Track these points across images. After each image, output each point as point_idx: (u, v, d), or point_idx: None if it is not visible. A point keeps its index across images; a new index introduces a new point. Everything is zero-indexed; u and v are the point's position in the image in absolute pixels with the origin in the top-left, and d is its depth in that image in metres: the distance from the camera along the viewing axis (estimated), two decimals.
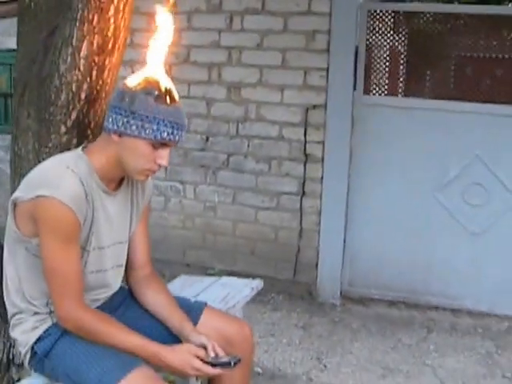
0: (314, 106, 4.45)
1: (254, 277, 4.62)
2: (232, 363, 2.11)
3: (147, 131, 1.97)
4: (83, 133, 2.51)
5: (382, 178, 4.49)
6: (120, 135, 2.01)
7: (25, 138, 2.54)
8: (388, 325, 4.29)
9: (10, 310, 2.20)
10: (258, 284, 3.10)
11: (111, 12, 2.34)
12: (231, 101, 4.68)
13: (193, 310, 2.36)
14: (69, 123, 2.45)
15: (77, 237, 2.03)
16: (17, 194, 2.05)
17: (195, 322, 2.30)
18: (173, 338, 2.23)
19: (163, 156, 2.04)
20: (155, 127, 1.97)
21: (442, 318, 4.40)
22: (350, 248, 4.61)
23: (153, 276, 2.38)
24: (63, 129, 2.46)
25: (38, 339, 2.15)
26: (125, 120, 1.98)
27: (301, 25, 4.40)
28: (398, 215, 4.49)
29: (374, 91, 4.64)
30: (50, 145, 2.47)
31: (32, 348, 2.16)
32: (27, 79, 2.51)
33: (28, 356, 2.19)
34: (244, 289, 3.01)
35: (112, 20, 2.35)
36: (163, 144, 2.02)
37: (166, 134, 1.99)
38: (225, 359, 2.12)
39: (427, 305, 4.54)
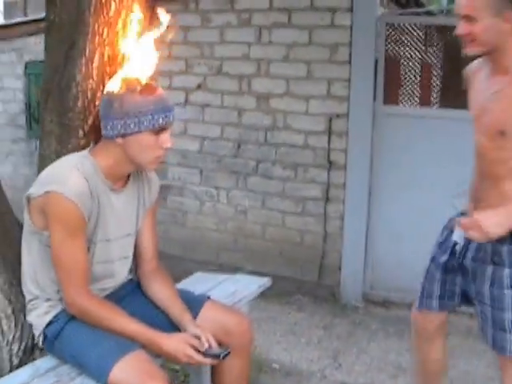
0: (337, 115, 4.58)
1: (281, 278, 4.79)
2: (221, 356, 2.26)
3: (145, 123, 2.16)
4: (100, 137, 2.73)
5: (401, 184, 4.56)
6: (123, 137, 2.19)
7: (48, 141, 2.75)
8: (406, 327, 4.31)
9: (27, 296, 2.41)
10: (265, 282, 3.19)
11: (119, 26, 2.56)
12: (260, 110, 4.85)
13: (195, 303, 2.50)
14: (86, 128, 2.65)
15: (81, 229, 2.20)
16: (30, 190, 2.24)
17: (196, 314, 2.44)
18: (174, 327, 2.36)
19: (166, 139, 2.23)
20: (150, 117, 2.16)
21: (459, 322, 4.42)
22: (372, 252, 4.70)
23: (159, 269, 2.54)
24: (81, 133, 2.66)
25: (49, 323, 2.34)
26: (122, 122, 2.17)
27: (324, 38, 4.54)
28: (417, 220, 4.54)
29: (393, 101, 4.71)
30: (70, 147, 2.66)
31: (44, 331, 2.36)
32: (50, 88, 2.72)
33: (41, 339, 2.39)
34: (251, 286, 3.12)
35: (121, 33, 2.56)
36: (162, 129, 2.20)
37: (161, 119, 2.17)
38: (215, 351, 2.26)
39: None
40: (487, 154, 2.37)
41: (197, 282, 3.14)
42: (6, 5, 8.36)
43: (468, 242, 2.48)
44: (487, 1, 2.16)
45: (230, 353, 2.30)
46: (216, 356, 2.26)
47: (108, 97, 2.21)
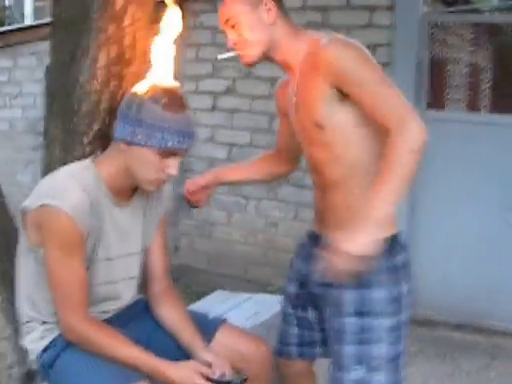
0: None
1: None
2: (232, 383, 2.05)
3: (153, 140, 1.93)
4: (106, 144, 2.50)
5: (447, 198, 4.27)
6: (128, 144, 1.97)
7: (53, 148, 2.57)
8: (449, 349, 4.06)
9: (21, 318, 2.20)
10: None
11: (126, 22, 2.33)
12: None
13: (208, 326, 2.30)
14: (91, 134, 2.46)
15: (79, 247, 2.00)
16: (25, 202, 2.04)
17: (210, 339, 2.24)
18: (185, 354, 2.16)
19: (172, 165, 1.99)
20: (161, 135, 1.92)
21: (508, 345, 4.12)
22: (414, 269, 4.31)
23: (169, 290, 2.32)
24: (86, 139, 2.47)
25: (45, 349, 2.14)
26: (132, 129, 1.94)
27: (362, 38, 4.25)
28: (464, 236, 4.26)
29: (438, 106, 4.43)
30: (75, 155, 2.47)
31: (39, 358, 2.15)
32: (55, 90, 2.54)
33: (37, 366, 2.18)
34: (275, 306, 2.84)
35: (129, 29, 2.35)
36: (171, 153, 1.97)
37: (172, 142, 1.94)
38: (228, 379, 2.05)
39: (493, 329, 4.27)
40: (318, 161, 2.06)
41: (216, 302, 3.00)
42: (35, 9, 8.35)
43: (315, 262, 2.08)
44: None
45: (246, 379, 2.10)
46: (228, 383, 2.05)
47: (130, 97, 1.99)
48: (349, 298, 2.00)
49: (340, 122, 1.97)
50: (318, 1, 4.45)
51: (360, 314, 2.00)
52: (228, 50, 2.06)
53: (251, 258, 4.98)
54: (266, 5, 1.99)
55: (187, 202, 2.44)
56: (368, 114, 1.92)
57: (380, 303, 1.99)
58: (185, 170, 5.13)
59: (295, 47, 2.02)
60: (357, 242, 1.74)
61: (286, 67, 2.08)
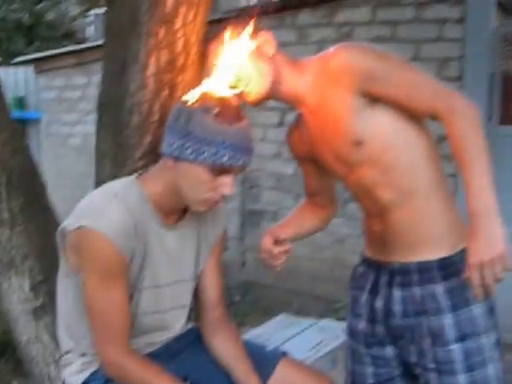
0: (446, 137, 4.10)
1: None
2: None
3: (205, 155, 1.71)
4: (160, 158, 2.36)
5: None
6: (176, 160, 1.75)
7: (103, 164, 2.41)
8: None
9: (61, 348, 2.02)
10: None
11: (179, 24, 2.14)
12: None
13: (266, 362, 2.06)
14: (143, 147, 2.28)
15: (120, 273, 1.81)
16: (64, 222, 1.85)
17: (267, 375, 2.02)
18: None
19: (225, 184, 1.77)
20: (214, 150, 1.70)
21: None
22: None
23: (223, 319, 2.09)
24: (138, 154, 2.29)
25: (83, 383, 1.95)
26: (180, 142, 1.73)
27: (432, 52, 4.18)
28: None
29: (510, 121, 4.18)
30: (126, 171, 2.29)
31: None
32: (105, 101, 2.38)
33: None
34: (340, 334, 2.65)
35: (181, 33, 2.16)
36: (225, 170, 1.75)
37: (226, 158, 1.71)
38: None
39: None
40: (366, 184, 1.85)
41: (279, 327, 2.82)
42: None
43: (389, 292, 1.88)
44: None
45: None
46: None
47: (179, 107, 1.78)
48: (449, 322, 1.80)
49: (378, 130, 1.78)
50: (387, 15, 4.34)
51: (465, 336, 1.80)
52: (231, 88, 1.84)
53: (318, 275, 4.88)
54: (263, 37, 1.86)
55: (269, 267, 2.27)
56: (407, 108, 1.76)
57: (481, 319, 1.81)
58: (250, 187, 5.01)
59: (300, 76, 1.87)
60: (499, 239, 1.62)
61: (293, 100, 1.91)
